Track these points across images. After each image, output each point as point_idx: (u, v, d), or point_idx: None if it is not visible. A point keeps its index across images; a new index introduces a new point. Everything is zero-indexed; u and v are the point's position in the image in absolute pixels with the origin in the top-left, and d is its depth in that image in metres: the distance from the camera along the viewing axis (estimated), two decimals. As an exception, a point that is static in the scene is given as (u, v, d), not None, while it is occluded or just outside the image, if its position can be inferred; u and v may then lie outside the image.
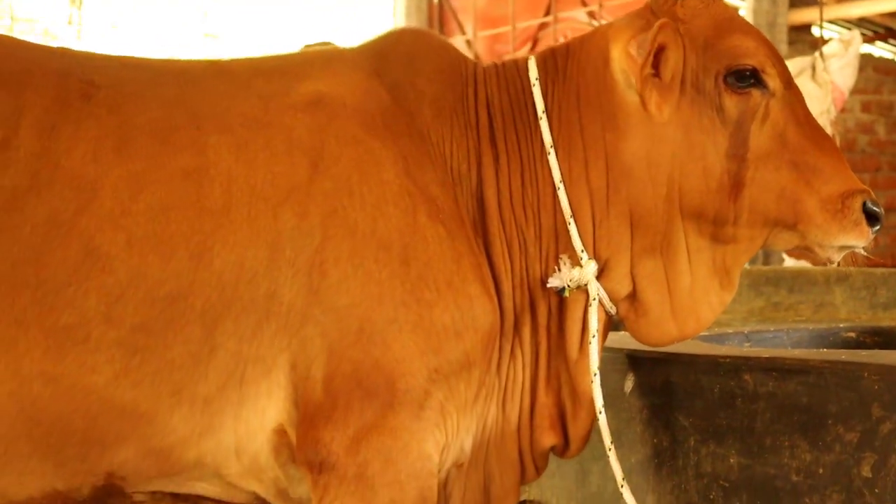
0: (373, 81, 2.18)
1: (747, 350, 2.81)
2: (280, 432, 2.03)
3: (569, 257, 2.18)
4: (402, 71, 2.22)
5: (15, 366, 1.89)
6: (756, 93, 2.19)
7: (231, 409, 1.99)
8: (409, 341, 2.02)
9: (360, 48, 2.30)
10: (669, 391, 2.41)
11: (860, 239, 2.19)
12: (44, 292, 1.89)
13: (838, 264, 2.28)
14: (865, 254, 2.24)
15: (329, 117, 2.09)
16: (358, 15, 11.35)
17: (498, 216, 2.18)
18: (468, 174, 2.19)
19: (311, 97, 2.12)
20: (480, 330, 2.09)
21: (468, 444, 2.19)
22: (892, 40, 10.96)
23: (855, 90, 8.14)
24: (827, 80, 7.40)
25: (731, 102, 2.18)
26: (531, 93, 2.23)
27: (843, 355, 2.32)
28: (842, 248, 2.21)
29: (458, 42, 9.56)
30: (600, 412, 2.20)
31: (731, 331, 3.22)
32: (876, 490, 2.08)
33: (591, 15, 9.04)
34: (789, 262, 6.54)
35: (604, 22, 8.57)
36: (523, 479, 2.30)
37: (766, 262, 7.70)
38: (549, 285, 2.18)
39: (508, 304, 2.18)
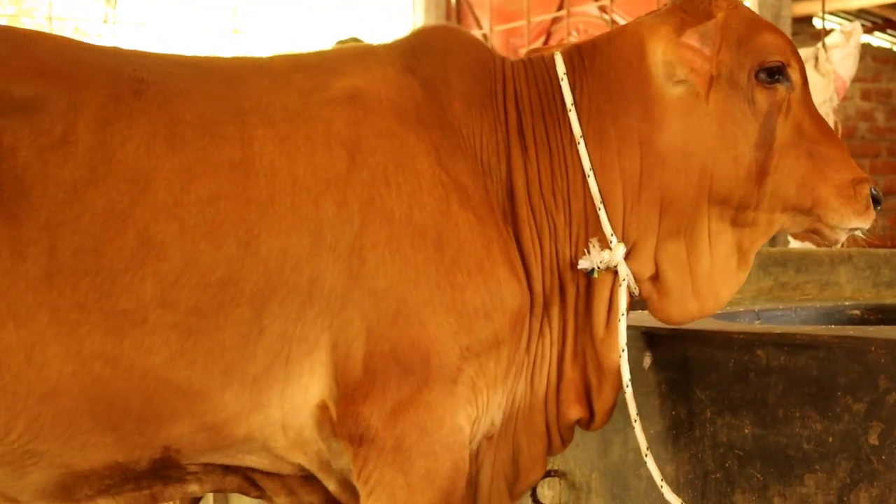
0: (406, 77, 2.22)
1: (759, 327, 2.82)
2: (322, 408, 2.09)
3: (598, 240, 2.23)
4: (434, 67, 2.25)
5: (77, 347, 1.93)
6: (781, 87, 2.26)
7: (277, 386, 2.05)
8: (443, 322, 2.07)
9: (393, 45, 2.33)
10: (686, 366, 2.45)
11: (868, 221, 2.29)
12: (103, 279, 1.94)
13: (842, 245, 2.36)
14: (863, 235, 2.32)
15: (366, 111, 2.13)
16: (379, 11, 11.31)
17: (527, 203, 2.23)
18: (497, 165, 2.23)
19: (349, 92, 2.15)
20: (509, 311, 2.14)
21: (498, 418, 2.24)
22: (890, 30, 10.87)
23: (854, 79, 8.10)
24: (830, 70, 7.37)
25: (761, 96, 2.24)
26: (559, 87, 2.27)
27: (851, 331, 2.36)
28: (851, 230, 2.30)
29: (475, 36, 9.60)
30: (627, 385, 2.25)
31: (741, 309, 3.23)
32: (883, 457, 2.12)
33: (603, 10, 8.95)
34: (794, 244, 6.60)
35: (615, 16, 8.66)
36: (550, 451, 2.36)
37: (773, 244, 7.75)
38: (579, 267, 2.23)
39: (538, 287, 2.23)
